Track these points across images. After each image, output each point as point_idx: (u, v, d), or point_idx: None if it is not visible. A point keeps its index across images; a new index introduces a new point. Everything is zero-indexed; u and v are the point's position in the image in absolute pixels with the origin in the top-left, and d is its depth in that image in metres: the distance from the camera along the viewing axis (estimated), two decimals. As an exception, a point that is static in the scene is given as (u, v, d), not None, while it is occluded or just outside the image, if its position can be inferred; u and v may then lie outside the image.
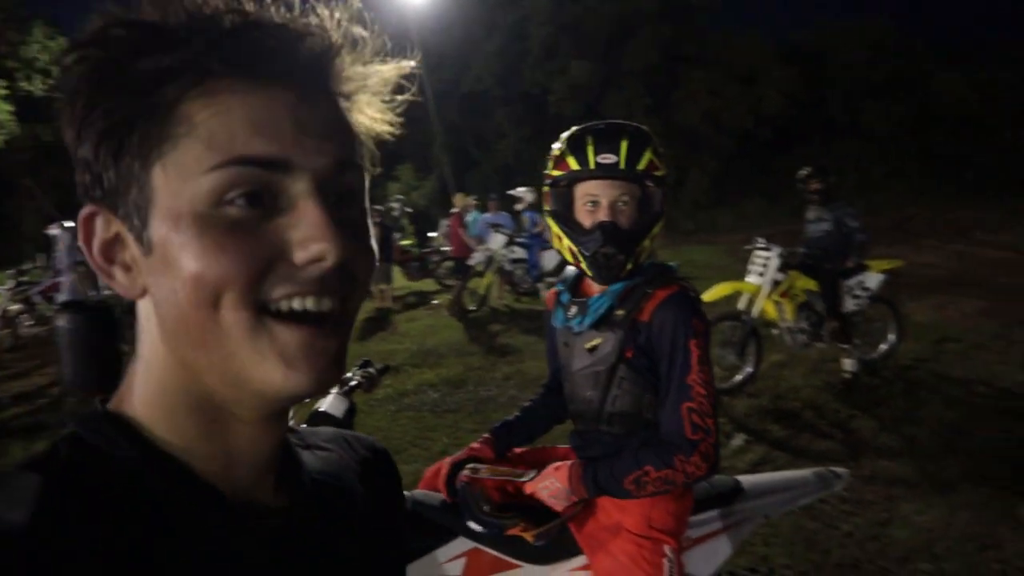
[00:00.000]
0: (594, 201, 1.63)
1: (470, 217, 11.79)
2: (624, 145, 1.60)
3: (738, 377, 5.64)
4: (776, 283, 5.97)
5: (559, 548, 1.78)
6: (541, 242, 10.23)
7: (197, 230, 0.46)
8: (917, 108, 33.93)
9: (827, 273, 5.96)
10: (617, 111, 25.45)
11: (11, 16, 22.66)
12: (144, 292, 0.51)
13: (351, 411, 2.02)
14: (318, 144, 0.49)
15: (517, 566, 1.76)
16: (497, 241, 10.52)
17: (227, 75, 0.47)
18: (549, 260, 10.20)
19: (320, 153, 0.49)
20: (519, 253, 10.84)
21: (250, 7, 0.48)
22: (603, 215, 1.62)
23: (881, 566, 3.16)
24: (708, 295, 5.68)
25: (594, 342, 1.69)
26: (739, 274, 6.23)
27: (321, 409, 1.98)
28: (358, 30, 0.53)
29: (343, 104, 0.54)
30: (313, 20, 0.51)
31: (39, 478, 0.46)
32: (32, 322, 9.63)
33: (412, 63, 0.57)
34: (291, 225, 0.48)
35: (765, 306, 5.94)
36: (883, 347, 6.25)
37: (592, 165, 1.60)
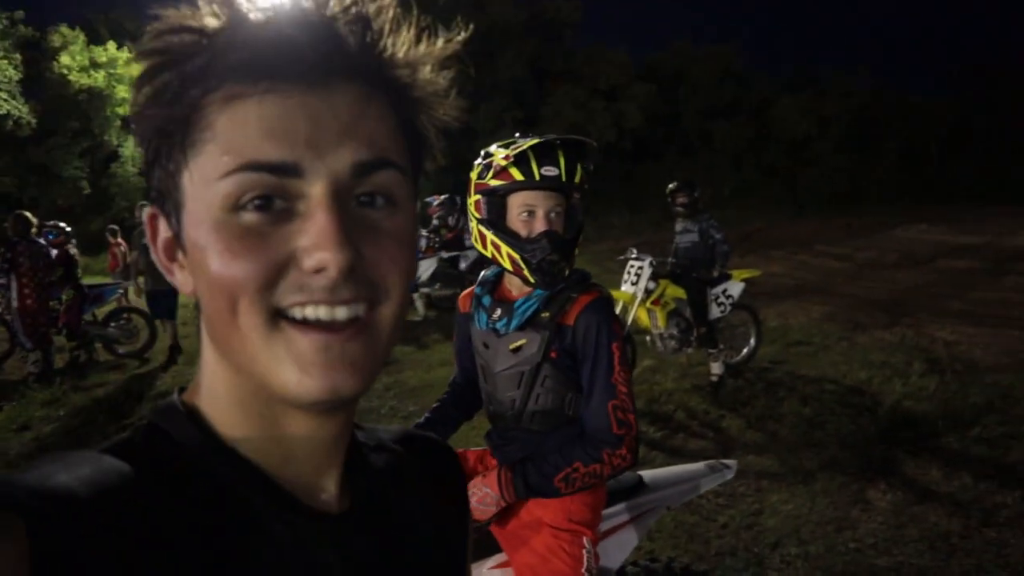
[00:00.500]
0: (530, 211, 1.71)
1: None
2: (562, 159, 1.69)
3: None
4: (648, 292, 6.31)
5: (477, 547, 1.84)
6: (418, 252, 10.16)
7: (214, 235, 0.47)
8: (758, 130, 36.62)
9: (695, 282, 6.36)
10: (488, 123, 25.78)
11: None
12: (195, 291, 0.52)
13: None
14: (336, 146, 0.48)
15: None
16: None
17: (243, 79, 0.47)
18: (425, 270, 10.18)
19: (337, 156, 0.48)
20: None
21: (285, 2, 0.48)
22: (540, 224, 1.70)
23: (756, 552, 3.43)
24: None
25: (519, 343, 1.77)
26: (607, 283, 6.49)
27: None
28: (397, 12, 0.51)
29: (388, 96, 0.52)
30: (352, 8, 0.49)
31: (114, 460, 0.47)
32: None
33: (462, 36, 0.54)
34: (301, 231, 0.47)
35: (639, 313, 6.28)
36: (745, 351, 6.73)
37: (537, 177, 1.68)
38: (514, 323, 1.77)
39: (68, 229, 9.54)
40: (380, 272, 0.50)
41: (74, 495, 0.42)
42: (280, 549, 0.51)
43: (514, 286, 1.84)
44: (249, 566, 0.49)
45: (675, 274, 6.48)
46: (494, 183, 1.73)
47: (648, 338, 6.51)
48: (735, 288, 6.48)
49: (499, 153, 1.74)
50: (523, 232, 1.72)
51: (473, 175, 1.79)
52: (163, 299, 7.81)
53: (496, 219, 1.75)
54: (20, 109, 24.34)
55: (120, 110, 26.10)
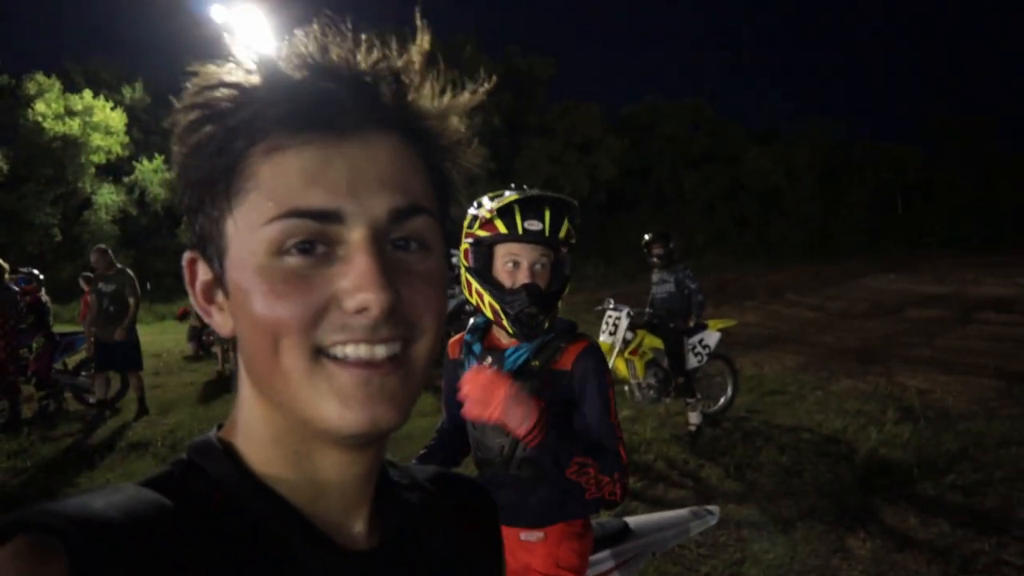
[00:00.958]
0: (515, 262, 1.75)
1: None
2: (548, 214, 1.74)
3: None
4: (626, 342, 6.37)
5: None
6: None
7: (259, 278, 0.49)
8: (730, 181, 37.41)
9: (672, 332, 6.43)
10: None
11: None
12: (233, 331, 0.54)
13: None
14: (374, 193, 0.51)
15: None
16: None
17: (284, 131, 0.50)
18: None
19: (376, 202, 0.51)
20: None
21: (317, 58, 0.51)
22: (524, 275, 1.74)
23: (739, 603, 3.42)
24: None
25: None
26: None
27: None
28: (422, 64, 0.55)
29: (418, 145, 0.55)
30: (383, 62, 0.53)
31: (150, 492, 0.49)
32: None
33: (485, 87, 0.58)
34: (342, 274, 0.50)
35: (617, 364, 6.31)
36: (722, 400, 6.77)
37: (520, 231, 1.73)
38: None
39: (40, 276, 9.42)
40: (416, 312, 0.53)
41: (112, 522, 0.44)
42: None
43: (502, 335, 1.87)
44: None
45: (652, 324, 6.55)
46: (480, 233, 1.77)
47: (626, 388, 6.54)
48: (711, 338, 6.56)
49: (487, 204, 1.79)
50: (507, 282, 1.75)
51: (465, 224, 1.84)
52: (111, 350, 7.53)
53: (482, 268, 1.78)
54: (-7, 156, 24.16)
55: (95, 158, 26.03)
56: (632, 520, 2.29)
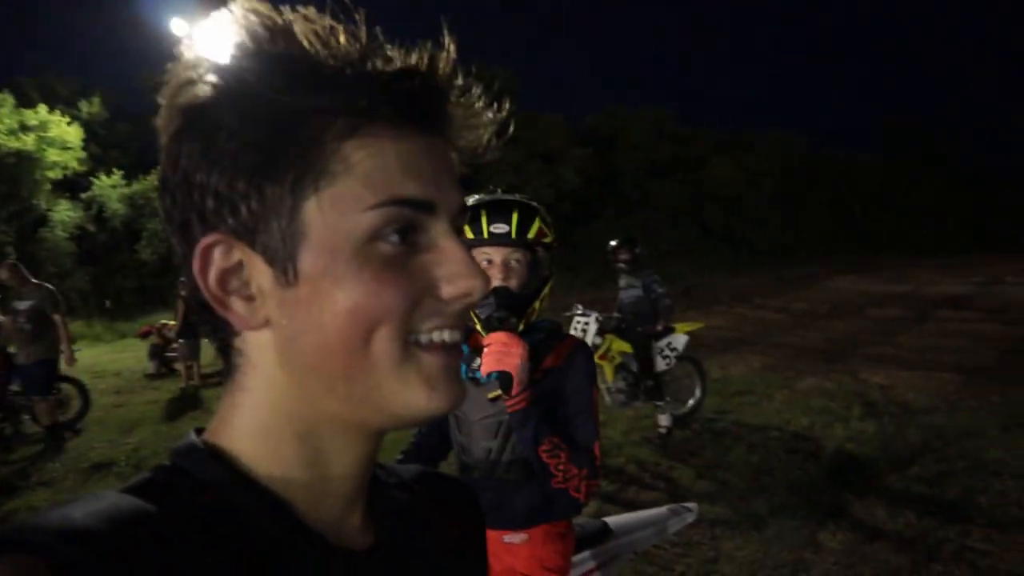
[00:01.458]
0: (488, 260, 1.76)
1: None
2: (515, 216, 1.75)
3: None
4: (595, 347, 6.39)
5: None
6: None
7: (356, 265, 0.48)
8: (694, 188, 37.91)
9: (640, 336, 6.47)
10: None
11: None
12: (266, 323, 0.51)
13: None
14: (450, 188, 0.53)
15: None
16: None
17: (379, 119, 0.50)
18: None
19: (453, 196, 0.53)
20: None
21: (394, 55, 0.51)
22: (497, 274, 1.74)
23: (714, 600, 3.44)
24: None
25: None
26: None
27: None
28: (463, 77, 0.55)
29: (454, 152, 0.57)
30: (443, 68, 0.52)
31: (134, 498, 0.47)
32: None
33: (507, 106, 0.59)
34: (437, 263, 0.51)
35: (587, 368, 6.33)
36: (691, 402, 6.83)
37: (486, 235, 1.73)
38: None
39: (-6, 296, 9.16)
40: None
41: (95, 532, 0.42)
42: None
43: None
44: None
45: (620, 329, 6.59)
46: None
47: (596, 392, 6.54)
48: (679, 341, 6.61)
49: None
50: None
51: None
52: (30, 371, 6.97)
53: None
54: (-57, 173, 23.52)
55: (51, 173, 25.43)
56: (612, 520, 2.30)
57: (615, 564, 2.18)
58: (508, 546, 1.80)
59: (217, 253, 0.50)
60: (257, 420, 0.53)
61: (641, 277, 6.59)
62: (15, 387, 7.87)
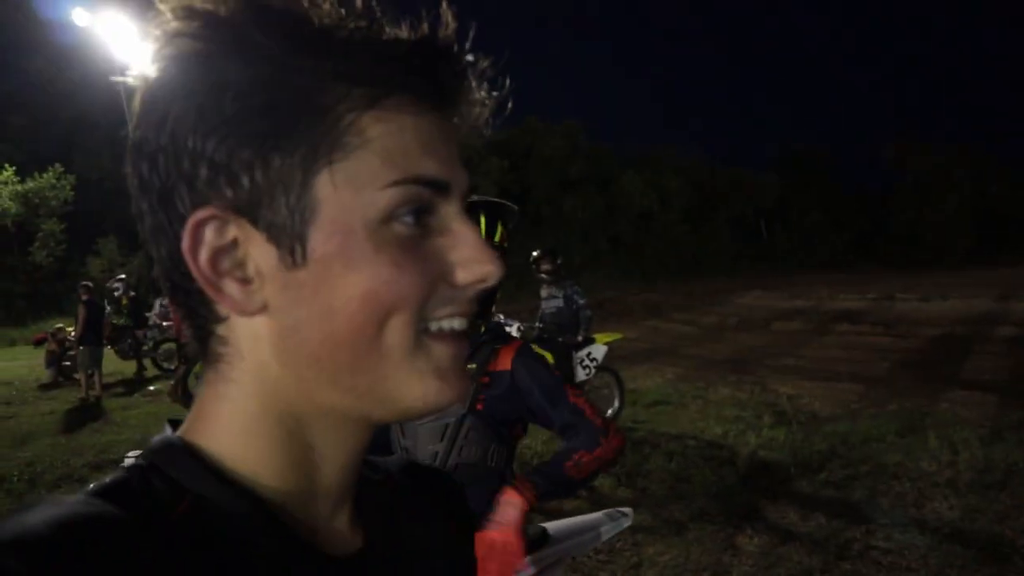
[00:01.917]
0: None
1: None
2: (483, 219, 1.75)
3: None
4: (517, 356, 6.42)
5: None
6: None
7: (372, 246, 0.44)
8: (605, 203, 38.74)
9: (561, 346, 6.55)
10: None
11: None
12: (262, 308, 0.46)
13: None
14: (461, 169, 0.50)
15: None
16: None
17: (401, 93, 0.46)
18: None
19: (463, 178, 0.50)
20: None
21: (421, 28, 0.47)
22: None
23: (639, 604, 3.50)
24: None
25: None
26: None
27: None
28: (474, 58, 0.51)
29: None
30: (455, 46, 0.49)
31: (101, 503, 0.42)
32: None
33: (507, 83, 0.54)
34: (451, 246, 0.48)
35: (509, 377, 6.36)
36: (610, 412, 6.95)
37: None
38: None
39: None
40: None
41: (51, 542, 0.38)
42: None
43: None
44: None
45: (542, 339, 6.65)
46: None
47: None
48: (599, 351, 6.72)
49: None
50: None
51: None
52: None
53: None
54: None
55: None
56: (550, 525, 2.30)
57: (554, 569, 2.18)
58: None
59: (209, 230, 0.45)
60: (243, 415, 0.48)
61: (563, 288, 6.68)
62: None
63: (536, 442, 6.39)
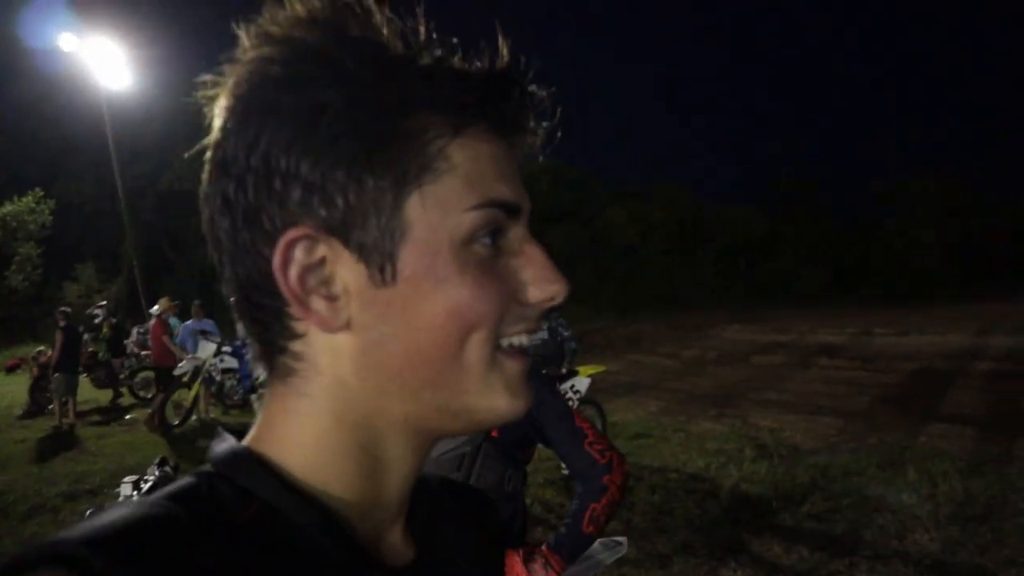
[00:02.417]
0: None
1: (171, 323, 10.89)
2: None
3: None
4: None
5: None
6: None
7: (457, 266, 0.47)
8: (591, 235, 39.00)
9: (545, 378, 6.51)
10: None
11: None
12: (347, 325, 0.47)
13: None
14: (526, 193, 0.52)
15: None
16: (206, 349, 9.92)
17: (478, 119, 0.48)
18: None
19: (527, 200, 0.52)
20: (230, 362, 10.30)
21: (490, 60, 0.50)
22: None
23: (623, 638, 3.47)
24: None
25: None
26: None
27: None
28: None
29: None
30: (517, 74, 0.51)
31: (170, 504, 0.44)
32: None
33: (559, 111, 0.56)
34: (522, 266, 0.50)
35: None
36: (593, 443, 6.92)
37: None
38: None
39: None
40: None
41: (122, 540, 0.40)
42: None
43: None
44: None
45: (526, 369, 6.64)
46: None
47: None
48: (582, 383, 6.74)
49: None
50: None
51: None
52: None
53: None
54: None
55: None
56: None
57: None
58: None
59: (300, 249, 0.46)
60: (316, 428, 0.50)
61: (548, 320, 6.69)
62: None
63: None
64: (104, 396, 11.91)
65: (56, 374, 9.48)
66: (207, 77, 0.49)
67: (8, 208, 23.17)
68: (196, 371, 9.67)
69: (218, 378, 10.21)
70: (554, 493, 5.87)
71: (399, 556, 0.55)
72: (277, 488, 0.48)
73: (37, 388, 10.92)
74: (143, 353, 12.14)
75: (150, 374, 11.28)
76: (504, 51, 0.50)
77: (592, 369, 6.99)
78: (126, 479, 2.28)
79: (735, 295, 38.24)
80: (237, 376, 10.31)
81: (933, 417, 8.36)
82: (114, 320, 13.31)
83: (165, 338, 10.22)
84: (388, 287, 0.46)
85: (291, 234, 0.46)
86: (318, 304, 0.47)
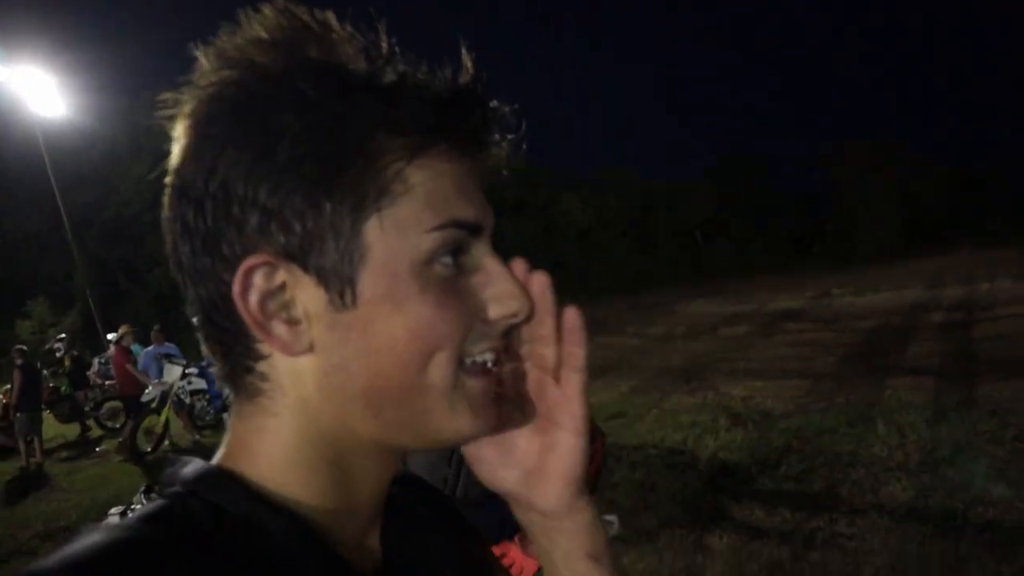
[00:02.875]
0: None
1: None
2: None
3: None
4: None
5: None
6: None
7: (417, 287, 0.46)
8: (545, 225, 39.14)
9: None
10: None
11: None
12: (309, 348, 0.47)
13: None
14: (489, 209, 0.52)
15: None
16: (173, 373, 9.78)
17: (437, 138, 0.48)
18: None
19: (491, 217, 0.52)
20: (197, 384, 10.18)
21: (452, 76, 0.49)
22: None
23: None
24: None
25: None
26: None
27: None
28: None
29: None
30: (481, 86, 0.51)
31: (141, 526, 0.44)
32: None
33: (523, 125, 0.56)
34: (484, 284, 0.50)
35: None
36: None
37: None
38: None
39: None
40: None
41: (93, 566, 0.40)
42: None
43: None
44: None
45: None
46: None
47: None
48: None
49: None
50: None
51: None
52: None
53: None
54: None
55: None
56: None
57: None
58: None
59: (259, 275, 0.46)
60: (284, 445, 0.50)
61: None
62: None
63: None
64: (71, 431, 11.68)
65: (18, 414, 9.25)
66: (168, 95, 0.48)
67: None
68: (164, 396, 9.54)
69: (188, 400, 10.07)
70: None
71: (374, 562, 0.55)
72: (250, 501, 0.48)
73: (2, 428, 10.64)
74: (107, 383, 11.90)
75: (116, 404, 11.07)
76: (468, 64, 0.49)
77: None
78: (112, 510, 2.26)
79: (693, 271, 38.74)
80: (207, 396, 10.19)
81: (896, 371, 8.61)
82: (75, 353, 13.01)
83: (129, 366, 10.05)
84: (349, 310, 0.46)
85: (250, 261, 0.45)
86: (279, 329, 0.47)
